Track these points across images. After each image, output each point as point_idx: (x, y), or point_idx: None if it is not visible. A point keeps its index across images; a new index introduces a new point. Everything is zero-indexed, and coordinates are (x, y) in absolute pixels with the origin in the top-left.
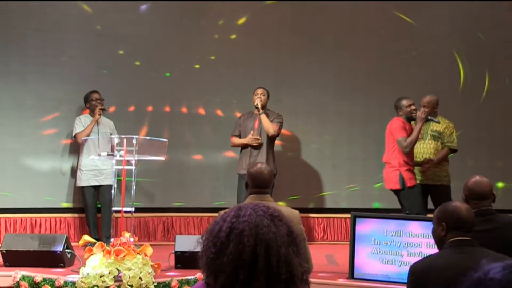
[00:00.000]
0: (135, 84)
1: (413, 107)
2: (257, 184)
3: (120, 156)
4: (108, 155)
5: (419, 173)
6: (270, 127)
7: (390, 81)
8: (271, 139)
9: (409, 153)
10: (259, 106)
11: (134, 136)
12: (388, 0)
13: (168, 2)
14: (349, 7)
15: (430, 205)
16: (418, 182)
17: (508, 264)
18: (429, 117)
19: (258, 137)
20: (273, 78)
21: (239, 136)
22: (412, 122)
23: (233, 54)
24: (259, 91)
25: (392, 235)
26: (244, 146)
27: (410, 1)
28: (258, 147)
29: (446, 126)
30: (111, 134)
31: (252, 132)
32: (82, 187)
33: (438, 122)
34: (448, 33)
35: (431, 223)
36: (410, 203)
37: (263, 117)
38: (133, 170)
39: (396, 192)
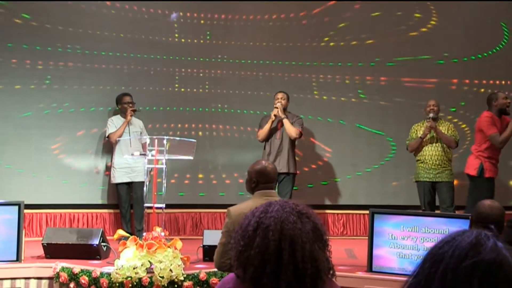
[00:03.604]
0: (165, 86)
1: (508, 101)
2: (266, 180)
3: (152, 155)
4: (140, 154)
5: (427, 171)
6: (292, 131)
7: (407, 84)
8: (292, 141)
9: (501, 148)
10: (279, 111)
11: (165, 137)
12: (407, 0)
13: (197, 9)
14: (368, 9)
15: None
16: (428, 180)
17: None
18: None
19: (277, 107)
20: (295, 81)
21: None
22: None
23: (256, 57)
24: (279, 95)
25: (409, 231)
26: (265, 147)
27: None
28: (280, 147)
29: (448, 127)
30: (140, 134)
31: (270, 139)
32: (116, 184)
33: None
34: (463, 38)
35: (446, 219)
36: (479, 192)
37: (286, 121)
38: (164, 168)
39: (470, 178)
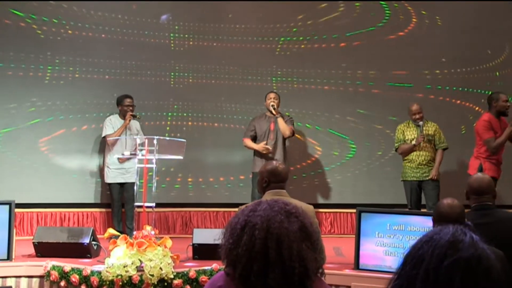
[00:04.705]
0: (156, 88)
1: (508, 104)
2: (277, 179)
3: (142, 155)
4: (131, 154)
5: (414, 171)
6: (286, 129)
7: (393, 86)
8: (283, 140)
9: (494, 153)
10: (276, 108)
11: (155, 137)
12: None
13: (187, 11)
14: (351, 11)
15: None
16: (415, 179)
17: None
18: None
19: (269, 147)
20: (284, 83)
21: (254, 138)
22: None
23: (245, 59)
24: (272, 95)
25: (394, 229)
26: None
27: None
28: (274, 147)
29: (435, 128)
30: (137, 134)
31: (266, 141)
32: (109, 184)
33: None
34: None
35: (431, 217)
36: None
37: (280, 120)
38: (154, 168)
39: None
